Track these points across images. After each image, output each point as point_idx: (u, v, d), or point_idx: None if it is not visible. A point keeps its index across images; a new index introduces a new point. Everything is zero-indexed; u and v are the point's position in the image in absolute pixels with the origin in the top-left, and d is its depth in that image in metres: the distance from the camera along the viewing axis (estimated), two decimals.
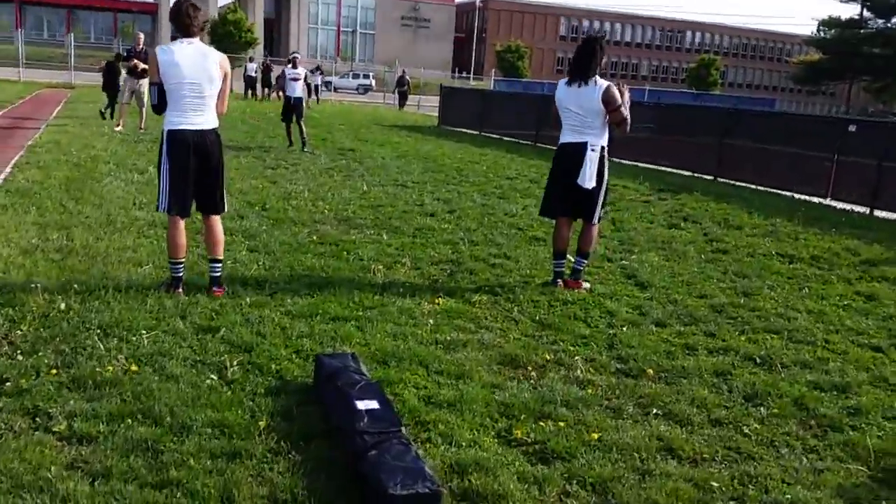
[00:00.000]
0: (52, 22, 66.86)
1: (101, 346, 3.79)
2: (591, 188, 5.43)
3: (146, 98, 14.10)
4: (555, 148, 5.75)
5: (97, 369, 3.52)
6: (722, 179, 13.37)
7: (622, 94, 5.43)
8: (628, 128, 5.49)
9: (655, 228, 8.36)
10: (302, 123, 14.16)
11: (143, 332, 4.05)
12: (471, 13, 77.02)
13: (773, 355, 4.54)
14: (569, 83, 5.48)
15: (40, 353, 3.68)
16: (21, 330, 3.95)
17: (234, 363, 3.74)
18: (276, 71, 29.13)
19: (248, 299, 4.77)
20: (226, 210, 5.03)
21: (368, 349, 4.13)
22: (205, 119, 4.61)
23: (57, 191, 7.68)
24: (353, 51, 76.03)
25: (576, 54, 5.48)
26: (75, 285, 4.65)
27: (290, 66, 14.76)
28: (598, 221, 5.73)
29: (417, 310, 4.92)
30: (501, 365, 4.15)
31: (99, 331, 4.02)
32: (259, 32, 65.63)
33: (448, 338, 4.45)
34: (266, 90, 31.39)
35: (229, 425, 3.10)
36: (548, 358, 4.27)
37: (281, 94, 15.51)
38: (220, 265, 4.90)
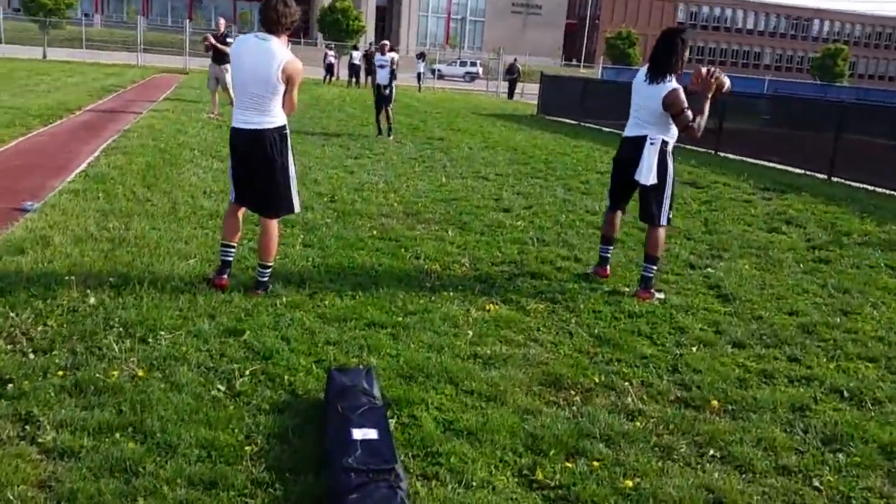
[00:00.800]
0: (176, 8, 70.01)
1: (116, 348, 3.63)
2: (650, 185, 5.05)
3: (229, 84, 14.33)
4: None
5: (104, 374, 3.36)
6: (836, 179, 12.19)
7: (713, 82, 4.90)
8: (698, 133, 4.96)
9: (752, 232, 7.60)
10: (390, 110, 14.01)
11: (165, 332, 3.87)
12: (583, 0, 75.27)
13: (864, 388, 3.89)
14: (648, 79, 5.04)
15: (54, 353, 3.55)
16: (45, 325, 3.85)
17: (247, 372, 3.50)
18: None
19: (284, 298, 4.54)
20: (285, 213, 4.80)
21: (397, 361, 3.79)
22: (262, 119, 4.39)
23: (133, 176, 7.76)
24: (462, 38, 75.90)
25: (655, 47, 5.05)
26: (111, 278, 4.55)
27: (378, 53, 14.61)
28: (667, 223, 5.23)
29: (463, 317, 4.55)
30: (543, 386, 3.72)
31: (121, 329, 3.87)
32: (370, 21, 66.70)
33: (489, 351, 4.06)
34: (369, 78, 31.64)
35: (218, 447, 2.84)
36: (597, 380, 3.80)
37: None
38: (267, 271, 4.67)
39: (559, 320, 4.69)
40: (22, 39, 34.69)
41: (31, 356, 3.49)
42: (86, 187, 7.07)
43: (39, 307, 4.05)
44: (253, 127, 4.39)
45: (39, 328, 3.81)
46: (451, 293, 5.00)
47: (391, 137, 13.67)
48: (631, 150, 5.14)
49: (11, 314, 3.92)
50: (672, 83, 4.90)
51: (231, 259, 4.69)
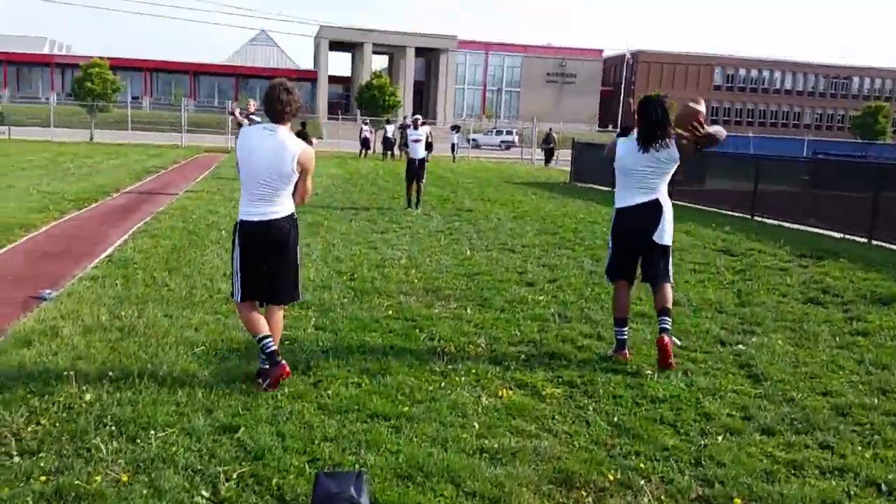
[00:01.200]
0: (223, 90, 72.65)
1: (104, 449, 3.50)
2: (668, 245, 5.29)
3: None
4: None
5: (87, 479, 3.21)
6: (876, 242, 11.73)
7: (700, 119, 5.00)
8: (722, 137, 5.08)
9: (787, 303, 7.26)
10: (422, 184, 14.11)
11: (157, 430, 3.73)
12: (619, 66, 76.10)
13: None
14: (642, 147, 5.12)
15: (41, 455, 3.43)
16: (38, 424, 3.75)
17: (235, 475, 3.32)
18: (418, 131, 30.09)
19: (286, 389, 4.38)
20: (296, 300, 4.71)
21: (396, 459, 3.58)
22: (275, 209, 4.33)
23: (156, 260, 7.80)
24: (497, 108, 77.17)
25: (647, 117, 5.12)
26: (112, 372, 4.45)
27: (411, 127, 14.81)
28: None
29: (473, 405, 4.33)
30: (553, 485, 3.46)
31: (113, 427, 3.75)
32: (408, 94, 68.32)
33: (497, 444, 3.82)
34: (402, 151, 32.37)
35: None
36: (612, 478, 3.53)
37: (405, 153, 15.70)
38: (270, 340, 4.48)
39: (576, 407, 4.43)
40: (71, 123, 36.22)
41: (17, 459, 3.37)
42: (107, 273, 7.10)
43: (35, 405, 3.96)
44: (267, 218, 4.31)
45: (31, 428, 3.70)
46: (463, 378, 4.79)
47: (419, 210, 13.69)
48: (645, 217, 5.23)
49: (5, 413, 3.83)
50: (672, 141, 5.08)
51: (275, 347, 4.44)
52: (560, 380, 4.88)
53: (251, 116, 14.53)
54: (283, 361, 4.42)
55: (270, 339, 4.39)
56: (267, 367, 4.44)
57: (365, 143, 33.24)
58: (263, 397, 4.25)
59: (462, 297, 7.03)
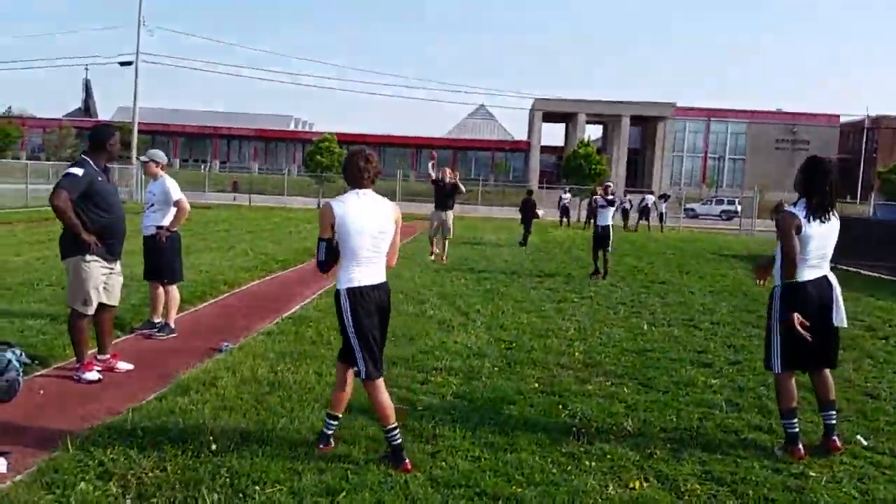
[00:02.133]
0: (442, 162, 76.56)
1: (208, 501, 3.61)
2: (844, 326, 4.90)
3: (451, 229, 14.94)
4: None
5: None
6: None
7: None
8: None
9: None
10: (608, 253, 13.69)
11: (267, 486, 3.80)
12: (856, 133, 69.94)
13: None
14: (819, 217, 4.64)
15: (153, 500, 3.62)
16: (162, 471, 3.97)
17: None
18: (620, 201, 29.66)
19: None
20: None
21: None
22: (380, 273, 4.34)
23: (331, 319, 8.13)
24: (720, 176, 73.79)
25: (826, 181, 4.64)
26: (246, 423, 4.67)
27: (602, 194, 14.51)
28: None
29: (596, 494, 3.94)
30: None
31: (227, 479, 3.87)
32: (621, 162, 67.53)
33: None
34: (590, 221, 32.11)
35: None
36: None
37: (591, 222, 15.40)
38: (398, 431, 4.30)
39: None
40: (303, 192, 39.97)
41: (129, 502, 3.57)
42: (282, 329, 7.55)
43: (167, 450, 4.20)
44: (378, 282, 4.30)
45: (154, 472, 3.93)
46: (595, 463, 4.41)
47: (606, 279, 13.25)
48: (821, 294, 4.76)
49: (140, 456, 4.11)
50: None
51: (332, 432, 4.44)
52: (708, 475, 4.33)
53: (442, 181, 15.15)
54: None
55: (337, 423, 4.45)
56: (398, 441, 4.30)
57: (565, 212, 33.15)
58: (376, 462, 4.19)
59: (623, 374, 6.58)
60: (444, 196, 15.16)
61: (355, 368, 4.28)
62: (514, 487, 3.97)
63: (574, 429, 4.95)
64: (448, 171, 15.71)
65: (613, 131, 71.01)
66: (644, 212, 32.72)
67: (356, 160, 4.29)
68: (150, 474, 3.90)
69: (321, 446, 4.37)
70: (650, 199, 34.45)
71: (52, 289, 9.02)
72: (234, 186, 47.06)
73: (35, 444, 4.33)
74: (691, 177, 75.73)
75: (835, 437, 4.67)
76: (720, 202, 57.23)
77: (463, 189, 15.60)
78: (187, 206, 7.43)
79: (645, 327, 8.86)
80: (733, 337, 8.51)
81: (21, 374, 5.18)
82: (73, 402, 5.19)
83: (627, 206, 33.73)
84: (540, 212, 21.38)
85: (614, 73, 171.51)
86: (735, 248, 23.66)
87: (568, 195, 34.65)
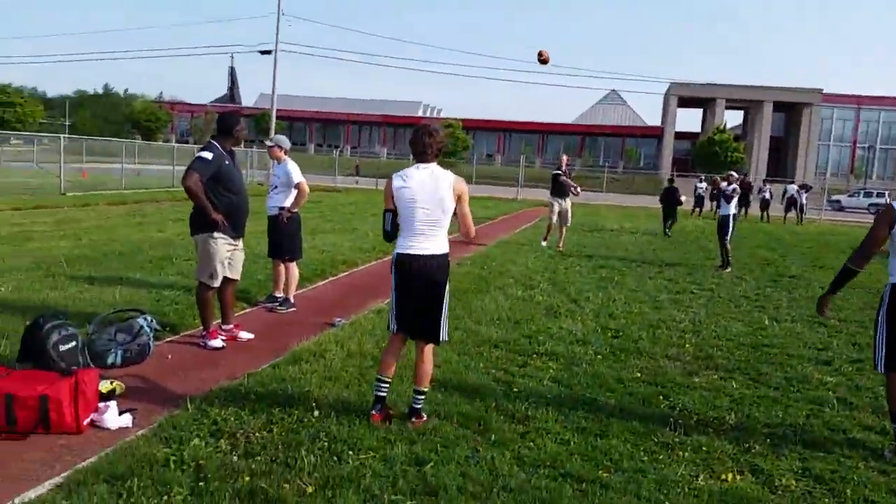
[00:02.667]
0: (570, 147, 75.59)
1: (307, 461, 3.86)
2: None
3: (570, 218, 14.79)
4: None
5: (279, 485, 3.57)
6: None
7: None
8: None
9: None
10: (727, 243, 13.16)
11: (360, 452, 4.01)
12: None
13: None
14: None
15: (257, 457, 3.90)
16: (268, 431, 4.27)
17: None
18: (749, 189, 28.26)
19: (493, 436, 4.37)
20: (443, 340, 4.63)
21: None
22: (433, 244, 4.45)
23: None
24: (869, 167, 68.70)
25: None
26: (348, 393, 4.91)
27: (724, 183, 13.95)
28: None
29: (683, 485, 3.89)
30: None
31: (325, 443, 4.11)
32: (762, 151, 64.19)
33: None
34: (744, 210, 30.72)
35: None
36: None
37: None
38: (422, 397, 4.59)
39: None
40: None
41: (235, 458, 3.88)
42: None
43: (274, 414, 4.51)
44: (426, 252, 4.42)
45: (260, 433, 4.23)
46: (688, 453, 4.34)
47: (729, 270, 12.76)
48: None
49: (250, 417, 4.44)
50: None
51: (384, 394, 4.62)
52: (807, 472, 4.17)
53: (560, 173, 15.04)
54: (380, 412, 4.53)
55: (385, 386, 4.60)
56: (417, 406, 4.58)
57: (699, 202, 31.94)
58: (465, 438, 4.32)
59: (734, 368, 6.37)
60: (564, 184, 15.03)
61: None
62: (600, 472, 3.98)
63: (671, 419, 4.87)
64: (566, 158, 15.57)
65: (754, 118, 67.54)
66: (791, 203, 30.99)
67: (420, 135, 4.47)
68: (257, 434, 4.21)
69: (373, 412, 4.53)
70: (792, 188, 32.61)
71: (189, 263, 9.74)
72: (356, 170, 48.54)
73: (159, 402, 4.75)
74: (838, 167, 70.94)
75: None
76: (868, 194, 53.24)
77: (577, 192, 15.42)
78: (307, 189, 7.82)
79: (766, 322, 8.49)
80: (859, 335, 8.01)
81: (152, 339, 5.68)
82: (196, 366, 5.65)
83: (768, 196, 32.08)
84: (682, 198, 20.87)
85: (757, 58, 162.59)
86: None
87: (703, 184, 33.38)
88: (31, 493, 3.42)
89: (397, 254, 4.49)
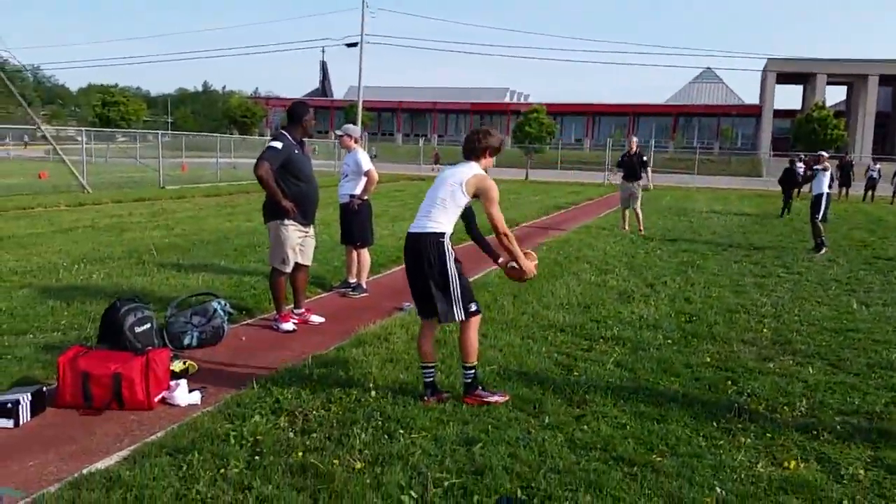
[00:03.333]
0: (662, 128, 73.61)
1: (359, 439, 3.96)
2: None
3: (639, 202, 14.45)
4: None
5: (329, 460, 3.68)
6: None
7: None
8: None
9: None
10: (818, 221, 12.57)
11: (412, 432, 4.08)
12: None
13: None
14: None
15: (313, 434, 4.03)
16: (326, 410, 4.40)
17: (446, 484, 3.47)
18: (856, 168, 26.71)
19: (547, 418, 4.37)
20: (453, 319, 4.56)
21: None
22: (426, 222, 4.53)
23: (509, 286, 8.35)
24: None
25: None
26: (404, 374, 5.00)
27: (814, 163, 13.30)
28: None
29: (741, 471, 3.77)
30: None
31: (379, 422, 4.21)
32: (867, 128, 60.60)
33: None
34: (845, 190, 29.15)
35: None
36: None
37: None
38: (470, 371, 4.61)
39: (877, 495, 3.57)
40: (514, 163, 40.48)
41: (291, 435, 4.02)
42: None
43: (334, 394, 4.64)
44: (418, 231, 4.54)
45: (318, 411, 4.36)
46: (751, 440, 4.20)
47: (821, 253, 12.17)
48: None
49: (310, 396, 4.59)
50: None
51: (430, 380, 4.67)
52: (878, 462, 3.96)
53: (644, 158, 14.75)
54: (429, 400, 4.58)
55: (430, 371, 4.66)
56: (466, 380, 4.64)
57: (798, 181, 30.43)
58: (518, 420, 4.33)
59: (813, 353, 6.10)
60: (632, 167, 14.72)
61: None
62: (653, 456, 3.91)
63: (736, 405, 4.72)
64: (634, 140, 15.22)
65: (858, 93, 63.79)
66: (870, 183, 29.15)
67: (470, 136, 4.75)
68: (315, 412, 4.35)
69: (423, 398, 4.60)
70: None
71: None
72: (435, 158, 48.77)
73: (229, 382, 4.97)
74: None
75: None
76: None
77: (648, 164, 15.01)
78: (376, 176, 7.96)
79: (854, 306, 8.08)
80: None
81: (226, 322, 5.94)
82: (268, 348, 5.87)
83: (876, 175, 30.30)
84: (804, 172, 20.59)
85: (860, 29, 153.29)
86: None
87: (801, 164, 31.81)
88: (100, 464, 3.65)
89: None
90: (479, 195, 4.54)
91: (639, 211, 14.75)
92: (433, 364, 4.69)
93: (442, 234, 4.50)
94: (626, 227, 14.88)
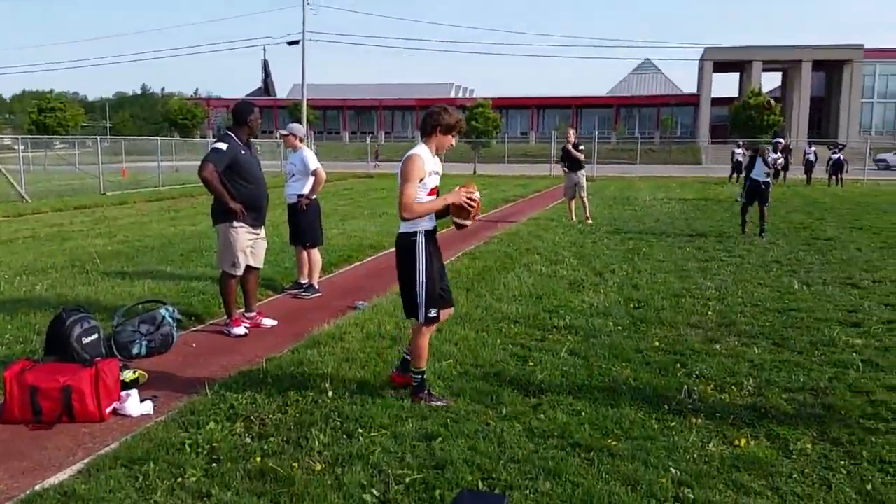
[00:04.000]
0: (604, 120, 74.59)
1: (317, 441, 3.94)
2: None
3: (585, 190, 14.69)
4: None
5: (288, 464, 3.66)
6: None
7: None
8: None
9: None
10: (765, 209, 12.93)
11: (371, 430, 4.08)
12: None
13: None
14: None
15: (270, 439, 4.00)
16: (282, 413, 4.37)
17: (408, 480, 3.49)
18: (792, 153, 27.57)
19: (505, 409, 4.41)
20: (417, 320, 4.52)
21: (572, 492, 3.38)
22: (400, 224, 4.50)
23: (463, 279, 8.41)
24: None
25: None
26: (363, 373, 4.99)
27: (769, 149, 13.64)
28: None
29: (693, 451, 3.88)
30: None
31: (337, 423, 4.19)
32: (802, 112, 62.55)
33: (700, 496, 3.38)
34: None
35: None
36: None
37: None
38: (418, 375, 4.59)
39: (824, 468, 3.71)
40: (460, 158, 40.59)
41: (248, 440, 3.98)
42: None
43: (290, 396, 4.61)
44: (398, 231, 4.54)
45: (275, 415, 4.33)
46: (701, 420, 4.32)
47: (763, 238, 12.53)
48: None
49: (266, 400, 4.55)
50: None
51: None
52: (824, 436, 4.12)
53: (579, 147, 15.02)
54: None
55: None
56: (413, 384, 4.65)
57: (737, 168, 31.33)
58: (476, 413, 4.36)
59: (757, 334, 6.29)
60: (574, 158, 14.97)
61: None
62: (609, 440, 3.99)
63: (688, 387, 4.85)
64: (572, 132, 15.47)
65: (793, 79, 65.79)
66: (837, 167, 29.69)
67: (426, 114, 4.63)
68: (272, 416, 4.31)
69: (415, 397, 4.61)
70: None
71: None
72: (375, 155, 48.79)
73: (181, 389, 4.90)
74: (883, 125, 68.71)
75: None
76: None
77: (582, 157, 15.25)
78: (324, 175, 7.90)
79: (796, 286, 8.35)
80: (893, 295, 7.83)
81: (175, 329, 5.84)
82: (219, 354, 5.79)
83: (812, 157, 31.28)
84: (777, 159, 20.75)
85: (793, 16, 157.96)
86: None
87: (741, 150, 32.71)
88: (53, 479, 3.56)
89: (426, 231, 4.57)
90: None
91: (586, 200, 14.97)
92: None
93: (413, 234, 4.43)
94: (574, 218, 15.10)
